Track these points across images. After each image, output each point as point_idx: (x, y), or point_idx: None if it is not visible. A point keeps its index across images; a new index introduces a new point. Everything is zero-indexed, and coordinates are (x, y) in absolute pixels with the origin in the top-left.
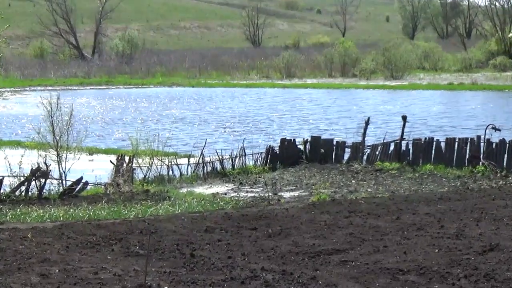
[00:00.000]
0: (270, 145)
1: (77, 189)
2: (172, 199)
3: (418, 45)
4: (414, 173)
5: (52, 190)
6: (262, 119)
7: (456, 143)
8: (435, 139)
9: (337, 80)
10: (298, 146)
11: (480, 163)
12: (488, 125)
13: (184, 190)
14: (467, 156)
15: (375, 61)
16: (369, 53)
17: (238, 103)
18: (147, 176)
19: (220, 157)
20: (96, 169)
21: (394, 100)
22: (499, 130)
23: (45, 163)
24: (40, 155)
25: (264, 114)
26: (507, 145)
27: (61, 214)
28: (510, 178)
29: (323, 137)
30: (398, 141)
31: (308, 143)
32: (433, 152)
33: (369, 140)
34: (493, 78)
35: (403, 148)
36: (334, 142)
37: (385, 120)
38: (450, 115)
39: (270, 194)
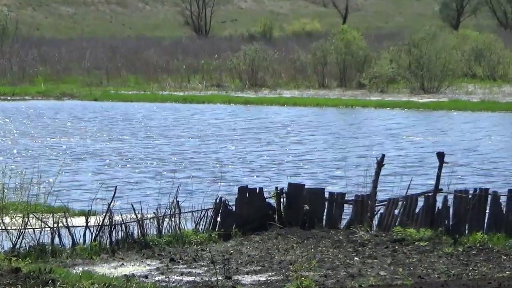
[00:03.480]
0: (221, 197)
1: None
2: (58, 284)
3: (466, 37)
4: (456, 247)
5: None
6: (210, 155)
7: None
8: (491, 191)
9: (334, 94)
10: (268, 200)
11: None
12: None
13: (79, 270)
14: None
15: (395, 63)
16: (386, 50)
17: (170, 128)
18: (17, 246)
19: (139, 216)
20: None
21: (425, 126)
22: None
23: None
24: None
25: (213, 147)
26: None
27: None
28: None
29: (308, 185)
30: (430, 194)
31: (284, 194)
32: (487, 212)
33: (383, 192)
34: None
35: (439, 205)
36: (327, 194)
37: (409, 160)
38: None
39: (220, 278)
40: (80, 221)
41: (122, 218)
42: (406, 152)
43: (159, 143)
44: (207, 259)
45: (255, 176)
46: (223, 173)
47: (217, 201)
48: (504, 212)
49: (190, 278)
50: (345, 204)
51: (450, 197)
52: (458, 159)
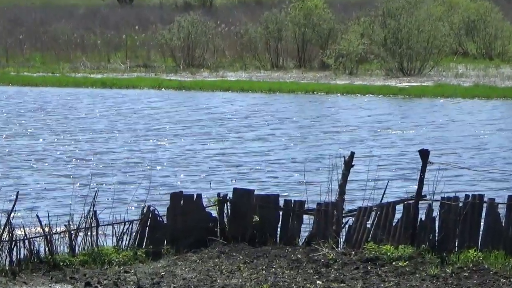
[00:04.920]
0: (149, 206)
1: None
2: None
3: (456, 5)
4: (443, 268)
5: None
6: (138, 154)
7: None
8: (486, 198)
9: (291, 76)
10: (208, 209)
11: None
12: None
13: None
14: None
15: (367, 38)
16: (355, 22)
17: (91, 121)
18: None
19: (47, 229)
20: None
21: (405, 117)
22: None
23: None
24: None
25: (143, 144)
26: None
27: None
28: None
29: (259, 191)
30: (411, 201)
31: (228, 203)
32: (481, 225)
33: (352, 200)
34: None
35: (422, 216)
36: (281, 203)
37: (385, 159)
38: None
39: None
40: None
41: (25, 232)
42: (381, 150)
43: (76, 138)
44: (131, 283)
45: (195, 180)
46: (154, 176)
47: (145, 211)
48: (503, 224)
49: None
50: (304, 215)
51: (436, 205)
52: (447, 158)
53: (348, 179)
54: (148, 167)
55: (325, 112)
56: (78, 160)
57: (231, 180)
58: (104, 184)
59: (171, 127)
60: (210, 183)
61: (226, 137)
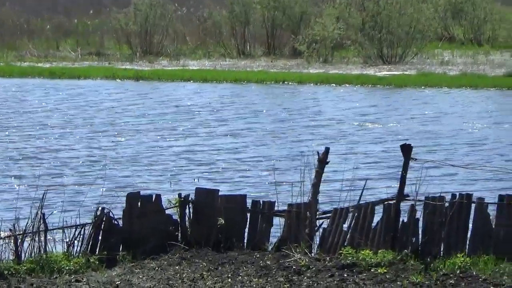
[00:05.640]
0: (103, 208)
1: None
2: None
3: None
4: (428, 275)
5: None
6: (97, 151)
7: None
8: (475, 198)
9: (259, 65)
10: (167, 212)
11: None
12: None
13: None
14: None
15: (343, 22)
16: (330, 5)
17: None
18: None
19: None
20: None
21: (385, 109)
22: None
23: None
24: None
25: (103, 140)
26: None
27: None
28: None
29: (224, 191)
30: (392, 201)
31: (190, 204)
32: (470, 227)
33: (328, 201)
34: None
35: (404, 217)
36: (249, 204)
37: (364, 155)
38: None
39: None
40: None
41: None
42: (365, 146)
43: (27, 134)
44: None
45: (160, 180)
46: (113, 176)
47: (98, 213)
48: (493, 226)
49: None
50: (275, 217)
51: (420, 206)
52: (437, 155)
53: (328, 178)
54: (107, 166)
55: (302, 104)
56: (29, 159)
57: (194, 179)
58: (57, 185)
59: (132, 122)
60: (170, 183)
61: (195, 133)
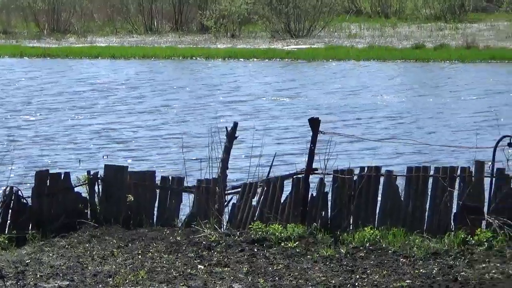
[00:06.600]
0: (11, 187)
1: None
2: None
3: None
4: (337, 248)
5: None
6: (5, 131)
7: (431, 180)
8: (383, 170)
9: (166, 41)
10: (76, 189)
11: (483, 221)
12: (503, 137)
13: None
14: (455, 207)
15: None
16: None
17: None
18: None
19: None
20: None
21: (294, 83)
22: None
23: None
24: None
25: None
26: None
27: None
28: None
29: (133, 167)
30: (300, 175)
31: (99, 181)
32: (379, 200)
33: (237, 175)
34: (511, 34)
35: (313, 191)
36: (158, 179)
37: (264, 129)
38: (411, 116)
39: None
40: None
41: None
42: (278, 120)
43: None
44: None
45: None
46: (29, 156)
47: (6, 192)
48: (402, 199)
49: None
50: (185, 193)
51: (329, 179)
52: (343, 127)
53: (247, 154)
54: (21, 146)
55: (217, 80)
56: None
57: (103, 156)
58: None
59: (49, 100)
60: (79, 161)
61: (112, 110)
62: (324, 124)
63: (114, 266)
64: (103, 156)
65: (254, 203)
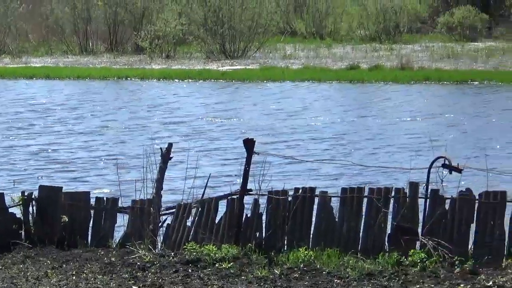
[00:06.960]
0: None
1: None
2: None
3: None
4: (271, 269)
5: None
6: None
7: (366, 201)
8: (318, 191)
9: (101, 61)
10: (12, 210)
11: (417, 242)
12: (437, 158)
13: None
14: (389, 228)
15: (186, 17)
16: (172, 1)
17: None
18: None
19: None
20: None
21: (229, 104)
22: (459, 171)
23: None
24: None
25: None
26: (478, 203)
27: None
28: (481, 276)
29: (71, 188)
30: (235, 195)
31: (34, 202)
32: (313, 221)
33: (173, 196)
34: (445, 55)
35: (247, 212)
36: (93, 200)
37: (210, 150)
38: (350, 138)
39: None
40: None
41: None
42: (205, 140)
43: None
44: None
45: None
46: None
47: None
48: (336, 219)
49: None
50: (119, 214)
51: (264, 200)
52: (283, 148)
53: (183, 175)
54: None
55: (156, 101)
56: None
57: (38, 177)
58: None
59: None
60: (14, 182)
61: (50, 131)
62: (263, 145)
63: (48, 287)
64: (38, 177)
65: (189, 223)
